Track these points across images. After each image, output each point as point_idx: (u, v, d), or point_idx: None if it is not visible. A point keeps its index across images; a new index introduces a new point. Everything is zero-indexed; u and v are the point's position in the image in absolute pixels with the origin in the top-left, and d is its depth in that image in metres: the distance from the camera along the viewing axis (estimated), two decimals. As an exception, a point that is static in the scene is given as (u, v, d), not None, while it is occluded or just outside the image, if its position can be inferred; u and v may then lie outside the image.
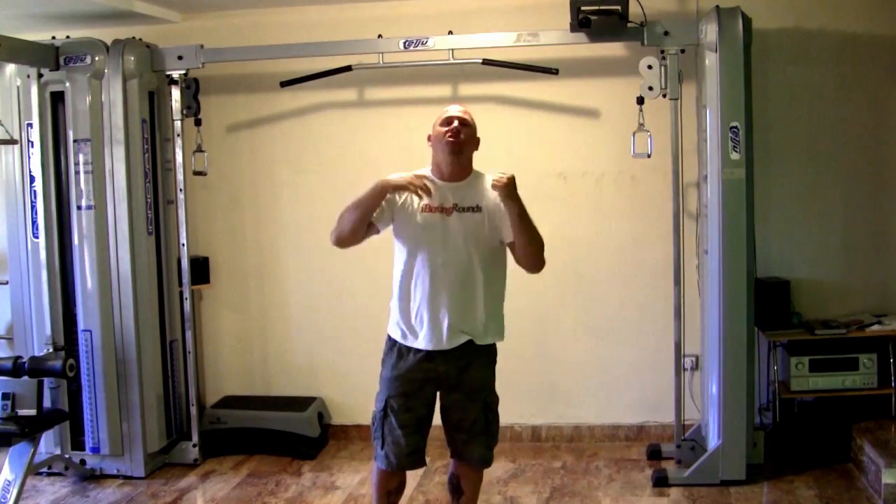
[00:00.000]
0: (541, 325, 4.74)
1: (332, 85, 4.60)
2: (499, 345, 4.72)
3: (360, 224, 2.99)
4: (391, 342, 3.13)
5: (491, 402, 3.17)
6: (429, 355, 3.04)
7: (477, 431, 3.13)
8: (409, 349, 3.06)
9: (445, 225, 3.01)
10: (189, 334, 4.56)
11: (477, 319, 3.06)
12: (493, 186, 2.91)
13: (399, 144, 4.54)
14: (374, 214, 3.01)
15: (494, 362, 3.20)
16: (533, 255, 3.03)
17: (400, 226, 3.05)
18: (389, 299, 3.14)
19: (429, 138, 3.13)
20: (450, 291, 3.00)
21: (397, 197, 3.03)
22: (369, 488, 4.17)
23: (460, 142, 3.02)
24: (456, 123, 3.03)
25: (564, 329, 4.72)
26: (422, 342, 3.03)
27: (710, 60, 3.90)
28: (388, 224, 3.07)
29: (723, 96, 3.85)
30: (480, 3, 4.55)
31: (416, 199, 3.02)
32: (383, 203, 3.01)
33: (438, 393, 3.13)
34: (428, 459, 4.37)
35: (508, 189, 2.89)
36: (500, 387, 4.75)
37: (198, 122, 4.54)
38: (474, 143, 3.11)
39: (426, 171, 3.10)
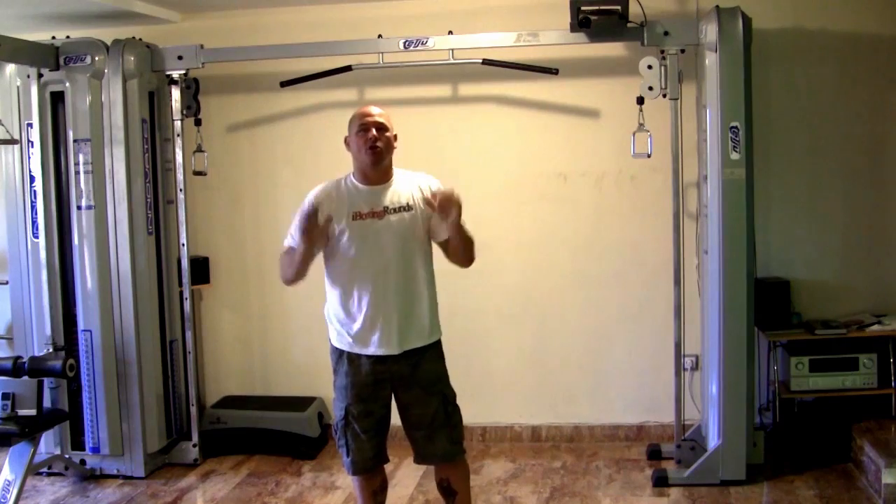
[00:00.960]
0: (541, 325, 4.74)
1: (332, 85, 4.60)
2: (499, 344, 4.78)
3: (303, 268, 2.98)
4: (338, 352, 3.10)
5: (448, 394, 3.15)
6: (380, 358, 3.03)
7: (438, 426, 3.10)
8: (358, 355, 3.05)
9: (379, 229, 2.99)
10: (189, 334, 4.56)
11: (422, 318, 3.06)
12: (442, 210, 2.91)
13: (398, 144, 4.53)
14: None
15: (443, 357, 3.18)
16: (467, 258, 3.08)
17: (333, 238, 3.01)
18: (327, 312, 3.13)
19: (346, 142, 3.08)
20: (394, 295, 2.99)
21: (320, 216, 2.96)
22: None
23: (380, 151, 2.99)
24: (372, 132, 2.98)
25: (564, 329, 4.72)
26: (372, 349, 3.02)
27: (710, 60, 3.90)
28: (324, 244, 3.03)
29: (723, 96, 3.85)
30: (480, 3, 4.55)
31: (341, 208, 3.00)
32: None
33: (395, 392, 3.12)
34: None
35: (453, 212, 2.90)
36: (500, 387, 4.81)
37: (198, 122, 4.54)
38: (393, 144, 3.07)
39: (350, 176, 3.09)
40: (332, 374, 3.13)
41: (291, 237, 3.02)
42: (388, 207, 3.00)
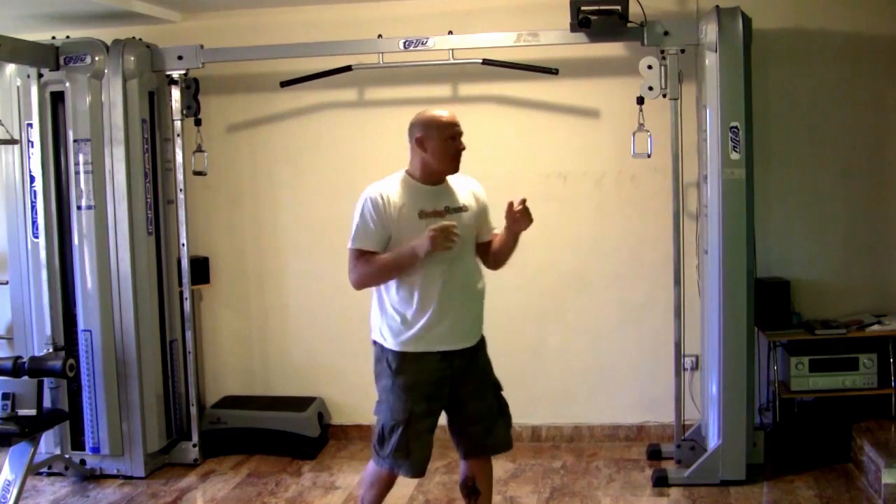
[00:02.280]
0: (541, 325, 4.74)
1: (332, 85, 4.60)
2: (498, 343, 4.72)
3: (390, 280, 3.05)
4: (398, 354, 3.05)
5: (498, 384, 3.28)
6: (444, 354, 3.05)
7: (495, 416, 3.22)
8: (424, 353, 3.04)
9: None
10: (189, 334, 4.56)
11: (481, 312, 3.18)
12: (515, 220, 3.06)
13: (399, 144, 4.51)
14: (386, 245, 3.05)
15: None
16: (504, 263, 3.25)
17: (399, 237, 3.01)
18: (383, 314, 3.09)
19: (419, 141, 3.06)
20: (459, 292, 3.06)
21: (392, 211, 3.00)
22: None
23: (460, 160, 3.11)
24: (460, 142, 3.09)
25: (564, 329, 4.72)
26: (438, 345, 3.04)
27: (710, 60, 3.90)
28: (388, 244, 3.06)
29: (723, 96, 3.85)
30: (480, 3, 4.55)
31: (410, 208, 3.02)
32: (382, 229, 3.01)
33: (453, 389, 3.12)
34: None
35: (525, 225, 3.08)
36: (499, 387, 4.79)
37: (198, 122, 4.54)
38: None
39: (406, 175, 3.10)
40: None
41: (361, 240, 3.02)
42: (448, 207, 3.07)
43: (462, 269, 3.07)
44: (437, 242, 2.88)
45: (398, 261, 2.97)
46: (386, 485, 3.19)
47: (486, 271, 3.22)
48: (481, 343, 3.20)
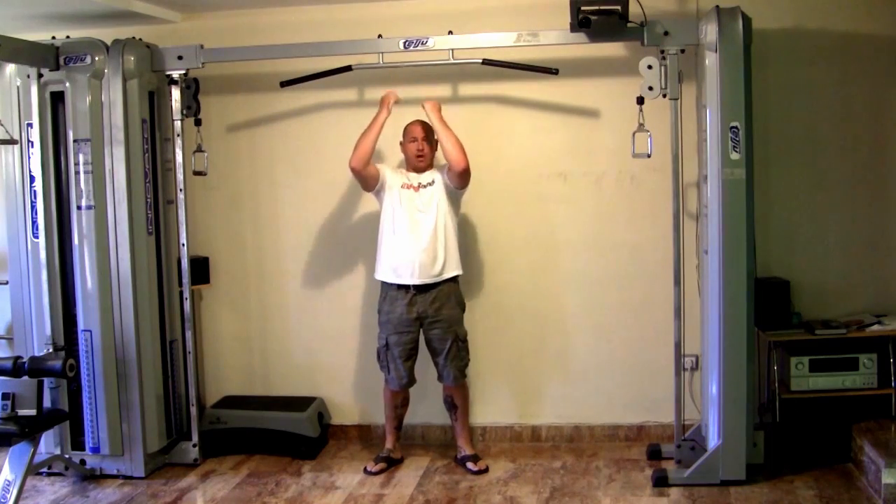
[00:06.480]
0: (541, 325, 4.74)
1: (332, 85, 4.60)
2: (499, 343, 4.78)
3: (373, 143, 4.24)
4: (384, 288, 4.32)
5: (461, 334, 4.34)
6: (412, 299, 4.22)
7: (451, 357, 4.31)
8: (397, 288, 4.24)
9: (416, 196, 4.26)
10: (189, 334, 4.56)
11: (439, 260, 4.22)
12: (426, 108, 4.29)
13: (398, 144, 4.54)
14: (378, 177, 4.28)
15: (462, 305, 4.38)
16: (456, 151, 4.18)
17: (386, 197, 4.28)
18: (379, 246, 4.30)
19: (401, 144, 4.33)
20: (422, 242, 4.20)
21: (387, 178, 4.27)
22: (369, 488, 4.18)
23: (426, 158, 4.29)
24: (421, 146, 4.26)
25: (564, 329, 4.72)
26: (405, 280, 4.20)
27: (710, 60, 3.90)
28: (379, 189, 4.30)
29: (723, 96, 3.85)
30: (480, 3, 4.55)
31: (397, 180, 4.28)
32: (382, 171, 4.30)
33: (421, 328, 4.29)
34: (427, 459, 4.42)
35: (434, 113, 4.26)
36: (500, 387, 4.82)
37: (198, 122, 4.53)
38: (434, 148, 4.33)
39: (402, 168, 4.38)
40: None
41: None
42: (420, 184, 4.29)
43: (429, 226, 4.20)
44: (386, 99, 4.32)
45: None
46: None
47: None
48: (447, 297, 4.27)
